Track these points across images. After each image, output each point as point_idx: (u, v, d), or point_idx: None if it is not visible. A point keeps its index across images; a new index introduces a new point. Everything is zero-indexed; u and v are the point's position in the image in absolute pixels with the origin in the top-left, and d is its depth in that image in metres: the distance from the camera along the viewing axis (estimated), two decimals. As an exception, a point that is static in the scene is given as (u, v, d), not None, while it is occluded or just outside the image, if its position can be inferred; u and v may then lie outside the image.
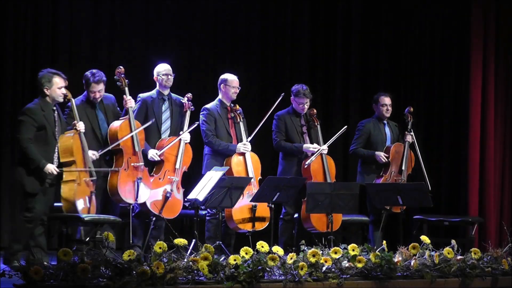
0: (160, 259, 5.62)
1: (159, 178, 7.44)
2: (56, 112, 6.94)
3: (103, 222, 6.92)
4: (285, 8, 9.94)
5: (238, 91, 7.95)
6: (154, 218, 7.39)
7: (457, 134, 9.63)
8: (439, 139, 9.81)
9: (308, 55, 10.01)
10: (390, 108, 8.56)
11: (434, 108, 9.83)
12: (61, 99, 6.95)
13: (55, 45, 8.97)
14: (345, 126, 8.29)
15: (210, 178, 6.92)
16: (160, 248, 5.71)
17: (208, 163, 7.77)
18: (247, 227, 7.57)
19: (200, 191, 6.84)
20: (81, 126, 6.94)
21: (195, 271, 5.71)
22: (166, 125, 7.66)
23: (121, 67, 7.44)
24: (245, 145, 7.69)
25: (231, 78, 7.95)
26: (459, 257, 6.54)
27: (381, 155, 8.35)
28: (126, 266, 5.52)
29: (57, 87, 6.91)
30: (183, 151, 7.54)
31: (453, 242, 6.63)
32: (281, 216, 8.12)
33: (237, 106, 7.92)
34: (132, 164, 7.26)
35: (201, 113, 7.90)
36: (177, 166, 7.50)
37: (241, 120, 7.89)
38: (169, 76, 7.69)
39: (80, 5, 9.08)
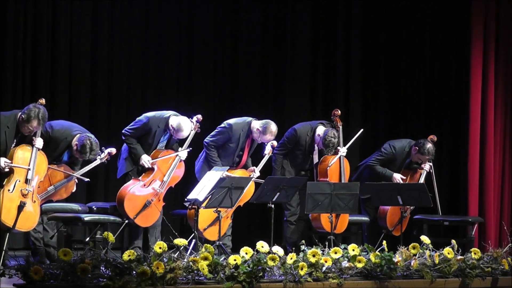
0: (160, 259, 5.62)
1: (144, 185, 7.40)
2: (20, 134, 6.85)
3: (104, 222, 6.93)
4: (286, 8, 9.95)
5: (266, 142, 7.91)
6: (126, 221, 7.32)
7: (457, 134, 9.63)
8: (439, 139, 9.76)
9: (308, 57, 10.00)
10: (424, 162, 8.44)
11: (434, 108, 9.82)
12: (25, 133, 6.83)
13: (55, 45, 8.97)
14: (361, 130, 8.31)
15: (210, 178, 6.91)
16: (160, 248, 5.71)
17: (201, 166, 7.83)
18: (201, 226, 7.41)
19: (200, 191, 6.83)
20: (38, 142, 6.82)
21: (195, 271, 5.71)
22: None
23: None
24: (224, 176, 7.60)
25: (267, 136, 7.83)
26: (459, 257, 6.54)
27: (398, 178, 8.32)
28: (126, 266, 5.53)
29: (28, 128, 6.77)
30: (175, 167, 7.50)
31: (453, 242, 6.63)
32: (285, 218, 8.13)
33: (275, 143, 7.91)
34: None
35: (224, 125, 7.86)
36: (165, 179, 7.46)
37: (269, 154, 7.89)
38: (182, 137, 7.59)
39: (80, 5, 9.08)
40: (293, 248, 7.13)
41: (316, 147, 8.19)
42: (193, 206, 6.86)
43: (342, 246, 6.35)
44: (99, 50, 9.19)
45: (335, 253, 6.20)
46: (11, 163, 6.67)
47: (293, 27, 9.96)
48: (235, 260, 5.81)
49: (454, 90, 9.72)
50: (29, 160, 6.75)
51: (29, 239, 7.35)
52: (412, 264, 6.35)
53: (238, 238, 7.86)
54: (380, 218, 8.22)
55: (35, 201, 6.76)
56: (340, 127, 8.23)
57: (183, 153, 7.54)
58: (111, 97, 9.18)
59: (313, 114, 9.51)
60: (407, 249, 6.47)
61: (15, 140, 6.85)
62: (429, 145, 8.35)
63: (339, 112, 8.31)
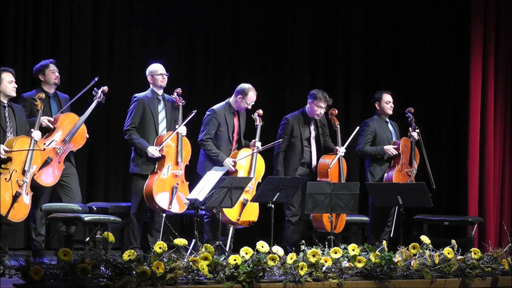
0: (160, 259, 5.62)
1: (163, 174, 7.44)
2: (8, 108, 6.95)
3: (104, 222, 6.93)
4: (286, 7, 9.94)
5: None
6: (164, 215, 7.37)
7: (457, 134, 9.63)
8: (439, 139, 9.81)
9: (308, 57, 10.00)
10: (393, 105, 8.59)
11: (434, 108, 9.83)
12: (13, 93, 7.00)
13: (55, 45, 8.96)
14: (358, 128, 8.35)
15: (210, 178, 6.92)
16: (160, 248, 5.71)
17: (203, 163, 7.82)
18: (233, 217, 7.56)
19: (200, 191, 6.84)
20: (35, 134, 6.89)
21: (195, 271, 5.71)
22: (162, 126, 7.64)
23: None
24: (232, 163, 7.65)
25: (251, 94, 7.86)
26: (459, 257, 6.54)
27: (391, 148, 8.36)
28: (126, 266, 5.53)
29: (7, 81, 6.96)
30: (182, 145, 7.55)
31: (453, 242, 6.64)
32: (286, 218, 8.13)
33: (261, 112, 7.94)
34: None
35: (207, 112, 7.89)
36: (179, 159, 7.51)
37: (260, 123, 7.92)
38: (164, 76, 7.68)
39: (80, 5, 9.07)
40: (293, 248, 7.12)
41: (311, 127, 8.17)
42: (193, 206, 6.88)
43: (342, 246, 6.35)
44: (99, 50, 9.18)
45: (335, 253, 6.20)
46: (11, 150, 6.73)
47: (293, 27, 9.96)
48: (235, 260, 5.81)
49: (454, 90, 9.72)
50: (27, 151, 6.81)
51: (31, 241, 7.36)
52: (412, 264, 6.35)
53: (238, 238, 7.86)
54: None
55: (27, 193, 6.82)
56: (338, 127, 8.23)
57: (182, 128, 7.56)
58: (111, 97, 9.16)
59: (313, 114, 9.49)
60: (407, 249, 6.47)
61: (8, 121, 6.91)
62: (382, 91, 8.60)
63: (336, 111, 8.31)
